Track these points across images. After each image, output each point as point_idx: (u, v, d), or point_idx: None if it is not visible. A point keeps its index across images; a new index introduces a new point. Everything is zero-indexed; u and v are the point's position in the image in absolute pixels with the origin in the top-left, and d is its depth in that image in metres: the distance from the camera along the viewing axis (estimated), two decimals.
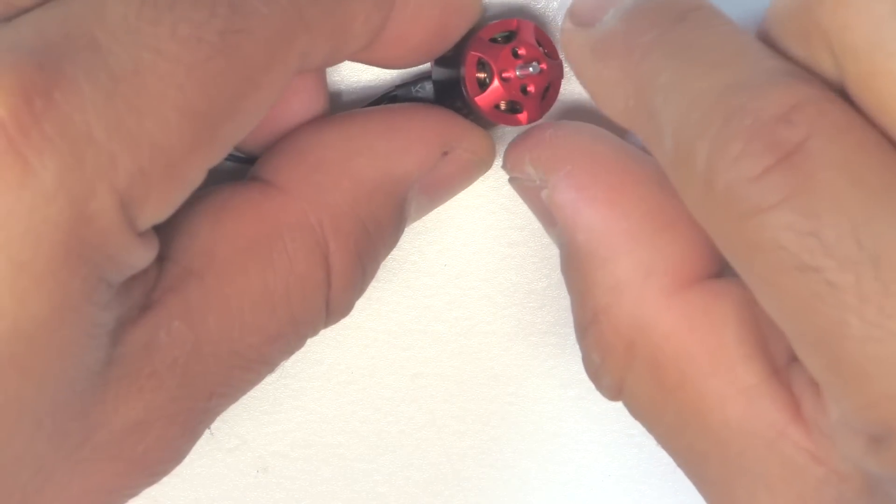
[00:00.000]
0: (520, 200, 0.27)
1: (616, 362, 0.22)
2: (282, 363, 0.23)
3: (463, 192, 0.27)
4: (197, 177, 0.19)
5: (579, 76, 0.22)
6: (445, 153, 0.24)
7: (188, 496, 0.28)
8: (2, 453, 0.18)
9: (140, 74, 0.18)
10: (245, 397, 0.27)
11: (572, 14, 0.22)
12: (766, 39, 0.19)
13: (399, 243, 0.27)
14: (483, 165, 0.25)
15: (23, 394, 0.18)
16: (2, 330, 0.17)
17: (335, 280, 0.22)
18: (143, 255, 0.19)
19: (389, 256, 0.27)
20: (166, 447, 0.21)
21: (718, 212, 0.18)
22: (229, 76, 0.19)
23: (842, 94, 0.18)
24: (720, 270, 0.22)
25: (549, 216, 0.23)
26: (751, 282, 0.18)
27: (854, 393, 0.17)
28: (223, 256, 0.21)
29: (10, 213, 0.17)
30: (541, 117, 0.24)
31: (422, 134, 0.24)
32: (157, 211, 0.19)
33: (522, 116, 0.23)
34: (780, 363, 0.20)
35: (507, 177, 0.25)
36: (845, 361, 0.17)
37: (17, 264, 0.17)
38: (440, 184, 0.25)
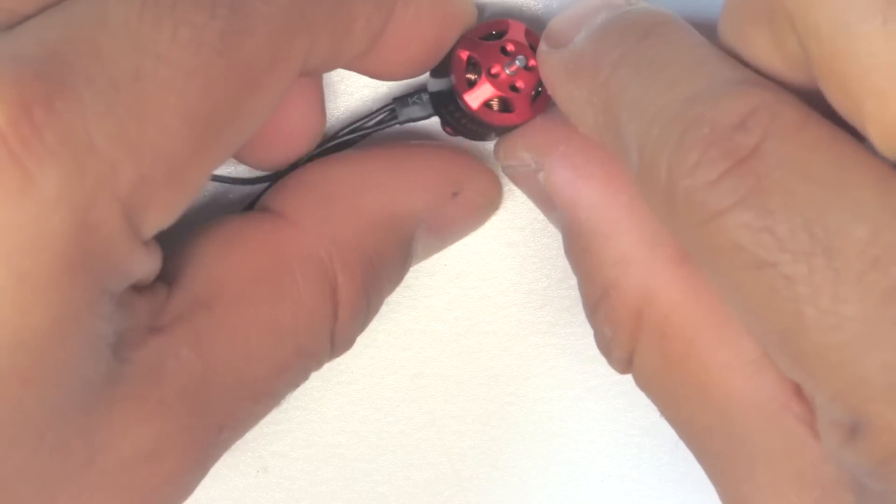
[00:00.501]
0: (520, 200, 0.27)
1: (625, 335, 0.22)
2: (287, 396, 0.23)
3: None
4: (200, 181, 0.19)
5: (554, 96, 0.22)
6: (455, 194, 0.24)
7: (188, 496, 0.28)
8: (3, 464, 0.18)
9: (141, 81, 0.18)
10: None
11: (548, 36, 0.22)
12: (729, 25, 0.20)
13: None
14: (491, 208, 0.26)
15: (24, 404, 0.18)
16: (3, 340, 0.17)
17: (341, 313, 0.23)
18: (145, 263, 0.19)
19: None
20: (178, 481, 0.21)
21: (681, 219, 0.18)
22: (231, 79, 0.19)
23: (807, 75, 0.19)
24: None
25: (547, 200, 0.23)
26: (717, 285, 0.19)
27: (822, 384, 0.17)
28: (232, 287, 0.21)
29: (11, 223, 0.17)
30: (533, 117, 0.23)
31: (432, 174, 0.24)
32: (160, 217, 0.19)
33: (513, 115, 0.23)
34: None
35: (506, 177, 0.25)
36: (808, 354, 0.17)
37: (19, 274, 0.17)
38: (448, 224, 0.25)
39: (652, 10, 0.21)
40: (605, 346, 0.23)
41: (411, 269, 0.27)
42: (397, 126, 0.25)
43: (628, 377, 0.28)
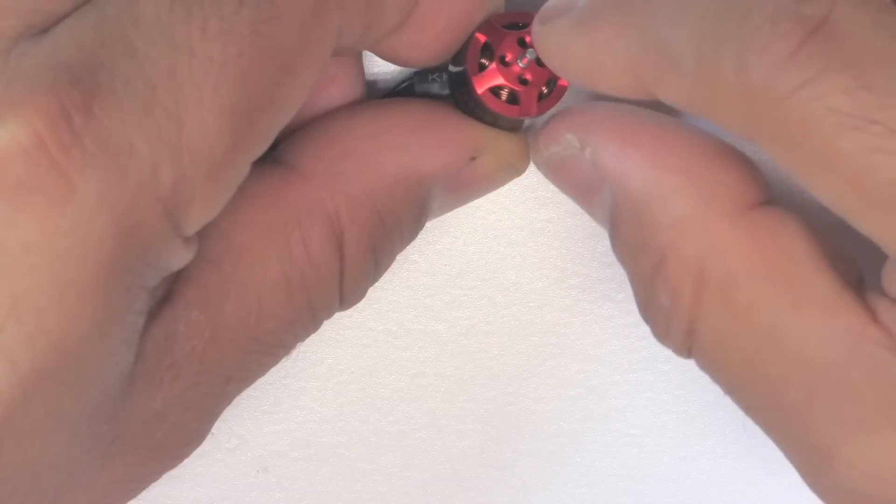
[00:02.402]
0: (520, 200, 0.27)
1: (686, 299, 0.21)
2: (297, 345, 0.23)
3: None
4: (241, 173, 0.19)
5: (566, 67, 0.22)
6: (473, 158, 0.24)
7: (188, 496, 0.28)
8: (39, 462, 0.18)
9: (176, 79, 0.18)
10: (245, 397, 0.27)
11: (543, 15, 0.22)
12: None
13: None
14: (514, 171, 0.25)
15: (63, 406, 0.18)
16: (47, 348, 0.17)
17: (347, 268, 0.22)
18: (185, 257, 0.19)
19: None
20: (183, 432, 0.21)
21: (762, 106, 0.18)
22: (264, 67, 0.18)
23: None
24: (773, 200, 0.22)
25: (589, 185, 0.23)
26: (809, 170, 0.18)
27: None
28: (240, 243, 0.21)
29: (54, 232, 0.17)
30: (538, 114, 0.23)
31: (452, 136, 0.24)
32: (202, 213, 0.19)
33: (517, 108, 0.23)
34: (851, 280, 0.20)
35: None
36: None
37: (63, 282, 0.17)
38: (466, 185, 0.25)
39: None
40: (664, 318, 0.22)
41: (411, 269, 0.27)
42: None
43: (628, 377, 0.28)
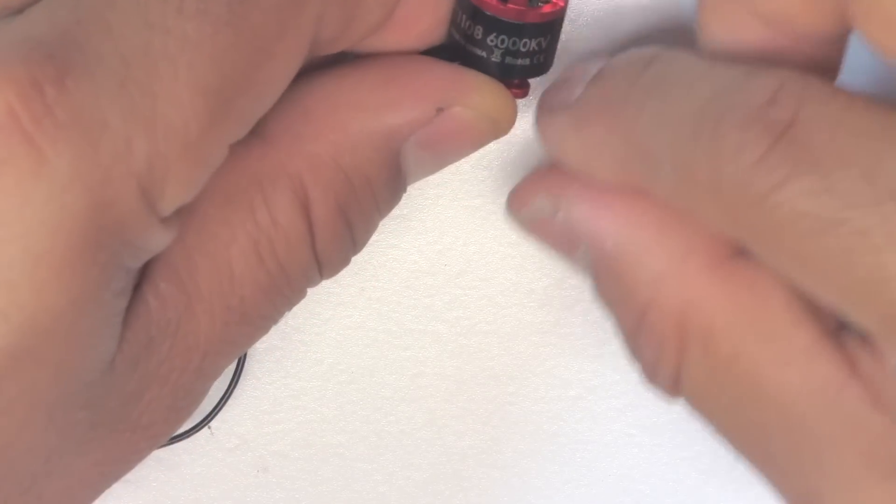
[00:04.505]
0: None
1: (671, 351, 0.21)
2: (284, 315, 0.23)
3: (463, 192, 0.27)
4: (217, 154, 0.19)
5: (565, 155, 0.22)
6: (440, 109, 0.23)
7: (188, 496, 0.28)
8: (13, 443, 0.18)
9: (150, 55, 0.18)
10: (245, 397, 0.27)
11: (546, 104, 0.22)
12: (711, 17, 0.21)
13: (399, 243, 0.27)
14: (495, 125, 0.24)
15: (38, 388, 0.18)
16: (19, 323, 0.17)
17: (318, 231, 0.22)
18: (163, 239, 0.19)
19: (389, 256, 0.27)
20: (160, 409, 0.21)
21: (733, 208, 0.18)
22: (240, 48, 0.18)
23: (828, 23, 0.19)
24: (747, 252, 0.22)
25: (566, 242, 0.23)
26: (785, 264, 0.19)
27: None
28: (203, 212, 0.21)
29: (26, 204, 0.17)
30: (525, 19, 0.23)
31: (416, 88, 0.23)
32: (178, 193, 0.19)
33: (509, 8, 0.22)
34: (830, 328, 0.20)
35: (507, 177, 0.25)
36: (894, 303, 0.17)
37: (35, 256, 0.17)
38: (442, 141, 0.24)
39: (646, 48, 0.21)
40: (651, 369, 0.22)
41: (411, 269, 0.27)
42: None
43: (628, 377, 0.28)
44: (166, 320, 0.20)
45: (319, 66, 0.23)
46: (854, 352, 0.20)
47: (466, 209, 0.27)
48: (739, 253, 0.21)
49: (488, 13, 0.23)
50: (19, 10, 0.18)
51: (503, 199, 0.27)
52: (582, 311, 0.28)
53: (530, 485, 0.28)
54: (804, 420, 0.20)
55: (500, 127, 0.24)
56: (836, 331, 0.20)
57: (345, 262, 0.23)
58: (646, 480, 0.28)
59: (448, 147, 0.24)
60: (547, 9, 0.23)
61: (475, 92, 0.23)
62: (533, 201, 0.23)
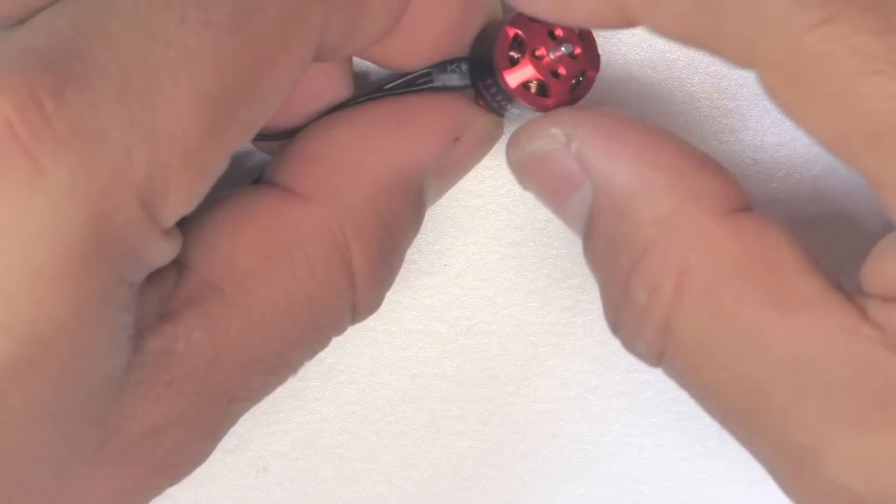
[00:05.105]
0: (520, 200, 0.27)
1: (665, 296, 0.21)
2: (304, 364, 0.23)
3: (462, 192, 0.27)
4: (219, 164, 0.19)
5: None
6: (457, 138, 0.24)
7: (188, 496, 0.28)
8: (20, 455, 0.18)
9: (151, 66, 0.18)
10: None
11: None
12: None
13: None
14: (491, 140, 0.25)
15: (41, 396, 0.18)
16: (20, 334, 0.17)
17: (360, 281, 0.22)
18: (165, 252, 0.19)
19: None
20: (185, 450, 0.21)
21: (772, 38, 0.18)
22: (242, 58, 0.18)
23: None
24: (754, 207, 0.22)
25: (567, 183, 0.22)
26: (812, 106, 0.18)
27: None
28: (243, 267, 0.21)
29: (24, 216, 0.17)
30: (570, 104, 0.23)
31: (432, 123, 0.23)
32: (179, 203, 0.19)
33: (549, 101, 0.23)
34: (835, 282, 0.20)
35: (506, 176, 0.25)
36: None
37: (34, 267, 0.17)
38: (453, 167, 0.25)
39: None
40: (639, 317, 0.21)
41: (411, 269, 0.27)
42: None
43: (628, 377, 0.28)
44: (193, 366, 0.20)
45: (333, 115, 0.24)
46: (862, 301, 0.20)
47: (466, 209, 0.27)
48: (749, 206, 0.21)
49: (523, 103, 0.23)
50: (21, 21, 0.18)
51: (503, 200, 0.27)
52: (582, 311, 0.28)
53: (530, 485, 0.28)
54: (813, 365, 0.19)
55: (497, 136, 0.25)
56: (839, 286, 0.20)
57: (379, 304, 0.24)
58: (646, 480, 0.28)
59: (461, 170, 0.25)
60: (581, 92, 0.23)
61: (478, 114, 0.24)
62: (548, 131, 0.23)
